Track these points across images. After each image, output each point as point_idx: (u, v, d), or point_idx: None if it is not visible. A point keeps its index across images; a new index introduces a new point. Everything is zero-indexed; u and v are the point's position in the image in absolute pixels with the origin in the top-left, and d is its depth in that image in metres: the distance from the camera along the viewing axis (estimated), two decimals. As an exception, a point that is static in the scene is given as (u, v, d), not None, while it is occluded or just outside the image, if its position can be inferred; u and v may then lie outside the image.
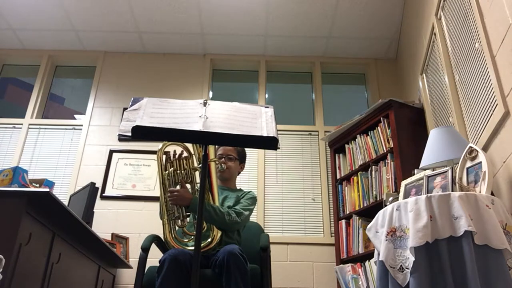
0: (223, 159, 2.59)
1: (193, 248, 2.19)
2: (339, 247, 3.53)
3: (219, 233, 2.32)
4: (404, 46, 4.23)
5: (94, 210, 3.22)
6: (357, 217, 3.44)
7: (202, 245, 2.24)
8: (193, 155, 2.38)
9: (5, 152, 4.18)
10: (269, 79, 4.66)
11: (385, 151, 3.35)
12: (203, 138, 1.55)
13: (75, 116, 4.53)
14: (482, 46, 2.31)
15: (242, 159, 2.69)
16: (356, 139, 3.70)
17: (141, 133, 1.52)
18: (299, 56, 4.66)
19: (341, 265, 3.38)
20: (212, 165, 2.35)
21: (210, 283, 2.13)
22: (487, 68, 2.26)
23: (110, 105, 4.41)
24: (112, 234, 3.55)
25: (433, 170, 2.20)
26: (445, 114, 3.04)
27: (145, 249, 2.31)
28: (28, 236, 2.07)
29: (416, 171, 2.39)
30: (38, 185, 2.51)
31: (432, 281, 1.71)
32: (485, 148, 2.29)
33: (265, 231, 2.84)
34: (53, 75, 4.73)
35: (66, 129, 4.33)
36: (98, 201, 3.56)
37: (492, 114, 2.21)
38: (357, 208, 3.50)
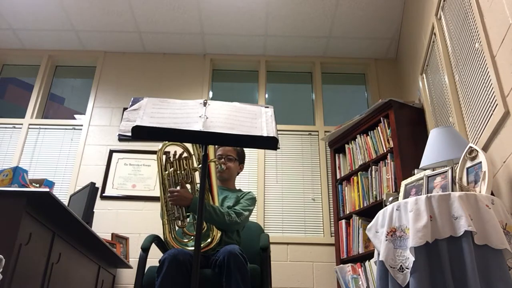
0: (222, 159, 2.59)
1: (193, 248, 2.19)
2: (339, 247, 3.53)
3: (219, 233, 2.32)
4: (404, 46, 4.23)
5: (94, 210, 3.22)
6: (357, 217, 3.44)
7: (202, 245, 2.24)
8: (193, 156, 2.38)
9: (5, 152, 4.17)
10: (269, 79, 4.66)
11: (385, 151, 3.35)
12: (203, 138, 1.55)
13: (75, 116, 4.53)
14: (482, 46, 2.31)
15: (241, 159, 2.69)
16: (356, 139, 3.70)
17: (141, 133, 1.52)
18: (299, 56, 4.66)
19: (341, 265, 3.38)
20: (212, 165, 2.35)
21: (210, 283, 2.13)
22: (487, 68, 2.26)
23: (110, 105, 4.41)
24: (112, 234, 3.55)
25: (433, 170, 2.20)
26: (445, 114, 3.04)
27: (145, 249, 2.31)
28: (28, 236, 2.07)
29: (416, 171, 2.39)
30: (38, 185, 2.50)
31: (432, 281, 1.71)
32: (485, 148, 2.29)
33: (265, 231, 2.83)
34: (53, 75, 4.73)
35: (66, 129, 4.33)
36: (98, 201, 3.55)
37: (492, 114, 2.21)
38: (357, 208, 3.50)
